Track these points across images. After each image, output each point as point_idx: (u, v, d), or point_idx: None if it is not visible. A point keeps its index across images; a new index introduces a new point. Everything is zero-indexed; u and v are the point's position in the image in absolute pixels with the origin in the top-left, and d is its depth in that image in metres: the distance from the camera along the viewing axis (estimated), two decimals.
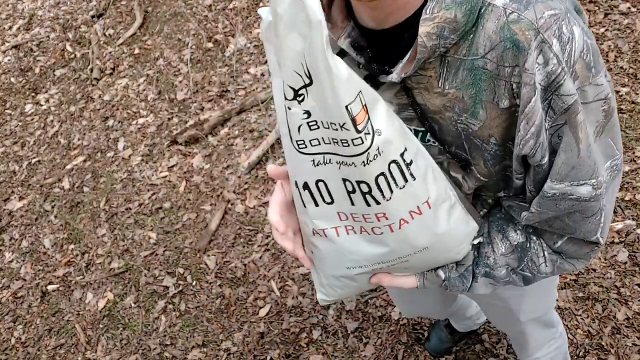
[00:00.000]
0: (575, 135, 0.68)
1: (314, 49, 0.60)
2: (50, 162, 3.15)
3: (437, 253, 0.81)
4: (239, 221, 2.49)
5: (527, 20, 0.64)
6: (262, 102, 2.91)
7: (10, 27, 4.15)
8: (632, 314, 1.80)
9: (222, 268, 2.37)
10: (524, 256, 0.84)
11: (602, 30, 2.55)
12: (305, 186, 0.74)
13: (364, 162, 0.67)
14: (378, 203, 0.71)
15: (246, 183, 2.62)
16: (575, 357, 1.76)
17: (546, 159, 0.72)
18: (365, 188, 0.70)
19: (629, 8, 2.56)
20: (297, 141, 0.70)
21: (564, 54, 0.65)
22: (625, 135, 2.18)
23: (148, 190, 2.79)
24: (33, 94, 3.61)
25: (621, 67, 2.40)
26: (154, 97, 3.23)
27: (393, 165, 0.69)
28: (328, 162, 0.70)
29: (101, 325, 2.37)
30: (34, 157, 3.22)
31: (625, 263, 1.89)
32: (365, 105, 0.64)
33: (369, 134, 0.65)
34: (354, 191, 0.71)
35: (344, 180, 0.71)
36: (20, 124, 3.46)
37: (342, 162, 0.69)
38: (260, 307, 2.20)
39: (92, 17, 3.90)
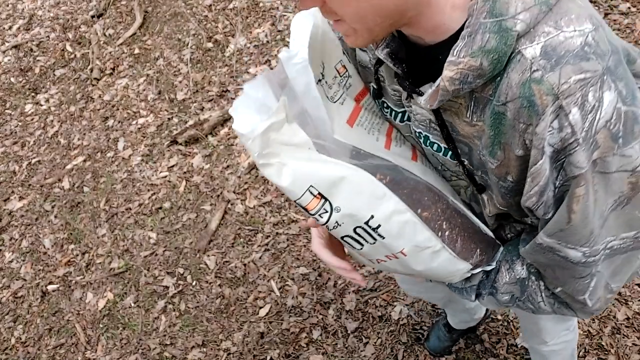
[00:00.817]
0: (569, 206, 0.66)
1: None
2: (50, 162, 3.15)
3: (429, 276, 0.88)
4: (238, 221, 2.49)
5: (549, 83, 0.60)
6: None
7: (10, 27, 4.14)
8: (632, 314, 1.80)
9: (222, 268, 2.37)
10: (524, 290, 0.86)
11: None
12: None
13: (329, 227, 0.75)
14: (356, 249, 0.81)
15: (246, 183, 2.62)
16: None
17: (550, 215, 0.70)
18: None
19: (629, 8, 2.56)
20: None
21: (585, 123, 0.61)
22: None
23: (148, 191, 2.79)
24: (33, 94, 3.61)
25: None
26: (154, 97, 3.23)
27: (359, 229, 0.75)
28: None
29: (101, 325, 2.37)
30: (34, 157, 3.22)
31: None
32: (319, 193, 0.71)
33: (326, 212, 0.72)
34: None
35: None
36: (20, 124, 3.46)
37: None
38: (260, 307, 2.20)
39: (92, 17, 3.90)
